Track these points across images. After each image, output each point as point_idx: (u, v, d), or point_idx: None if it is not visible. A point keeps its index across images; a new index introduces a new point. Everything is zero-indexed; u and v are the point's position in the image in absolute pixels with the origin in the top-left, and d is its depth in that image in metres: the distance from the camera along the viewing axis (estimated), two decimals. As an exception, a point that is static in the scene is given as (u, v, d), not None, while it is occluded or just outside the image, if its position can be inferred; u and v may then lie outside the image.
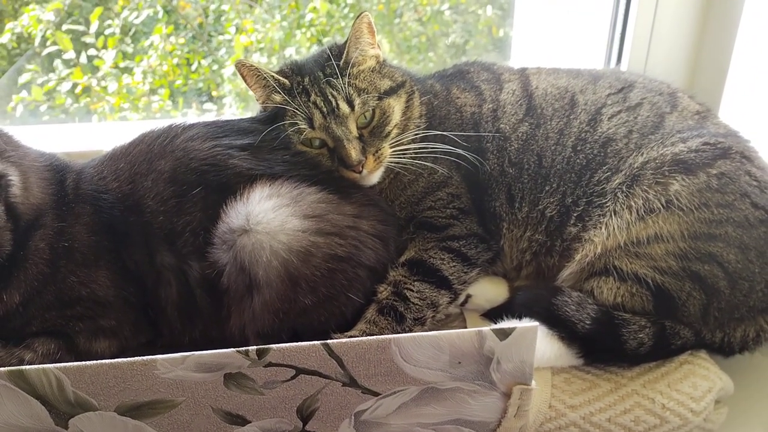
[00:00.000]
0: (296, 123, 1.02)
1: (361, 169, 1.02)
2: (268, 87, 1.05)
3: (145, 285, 0.94)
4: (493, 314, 1.04)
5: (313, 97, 1.03)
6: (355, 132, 1.03)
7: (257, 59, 3.35)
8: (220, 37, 3.59)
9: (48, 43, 3.03)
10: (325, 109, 1.02)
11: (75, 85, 2.92)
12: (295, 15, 3.54)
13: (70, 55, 3.00)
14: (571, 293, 0.97)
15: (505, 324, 0.83)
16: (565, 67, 1.18)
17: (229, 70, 3.33)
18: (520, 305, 0.98)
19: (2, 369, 0.75)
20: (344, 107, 1.02)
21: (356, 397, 0.83)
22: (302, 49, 3.32)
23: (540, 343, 0.87)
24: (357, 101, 1.03)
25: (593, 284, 0.98)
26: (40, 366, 0.75)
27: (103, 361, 0.75)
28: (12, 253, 0.87)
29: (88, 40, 3.09)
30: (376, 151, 1.03)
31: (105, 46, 3.05)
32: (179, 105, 3.28)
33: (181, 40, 3.41)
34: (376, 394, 0.83)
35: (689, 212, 0.94)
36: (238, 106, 3.28)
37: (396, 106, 1.06)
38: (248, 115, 1.34)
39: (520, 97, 1.11)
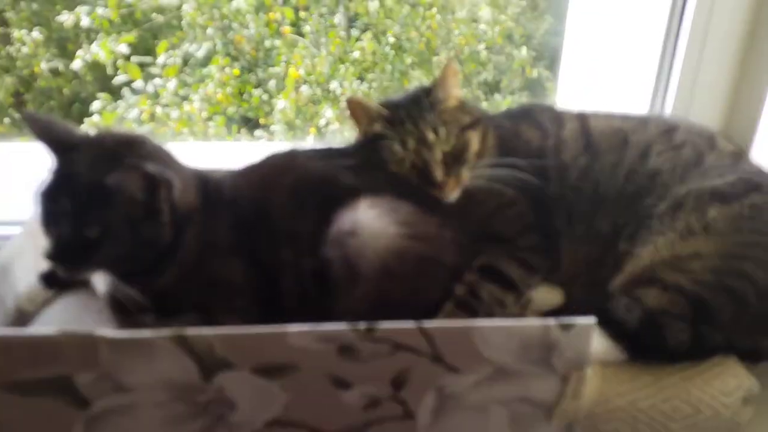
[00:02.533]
0: (392, 146, 1.16)
1: (444, 188, 1.14)
2: (372, 117, 1.19)
3: (270, 276, 1.09)
4: (550, 316, 1.14)
5: (407, 126, 1.16)
6: (440, 157, 1.16)
7: (306, 90, 3.48)
8: (271, 70, 3.74)
9: (116, 71, 3.21)
10: (416, 136, 1.16)
11: (141, 112, 3.09)
12: (340, 50, 3.67)
13: (138, 83, 3.18)
14: (621, 298, 1.07)
15: (568, 319, 0.92)
16: (617, 112, 1.30)
17: (280, 103, 3.46)
18: (576, 308, 1.08)
19: (167, 332, 0.87)
20: (431, 136, 1.16)
21: (441, 372, 0.93)
22: (346, 83, 3.44)
23: (594, 339, 0.95)
24: (442, 131, 1.16)
25: (640, 292, 1.07)
26: (198, 330, 0.87)
27: (247, 328, 0.88)
28: (170, 244, 1.02)
29: (154, 70, 3.28)
30: (457, 174, 1.16)
31: (167, 76, 3.22)
32: (233, 131, 3.43)
33: (235, 71, 3.57)
34: (457, 371, 0.93)
35: (724, 235, 1.04)
36: (287, 135, 3.42)
37: (474, 138, 1.19)
38: (295, 142, 1.46)
39: (579, 134, 1.23)
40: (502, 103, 3.48)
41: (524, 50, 3.75)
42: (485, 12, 3.86)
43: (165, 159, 1.05)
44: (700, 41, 1.44)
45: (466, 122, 1.20)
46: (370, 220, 1.05)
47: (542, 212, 1.19)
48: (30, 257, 1.18)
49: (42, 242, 0.99)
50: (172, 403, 0.92)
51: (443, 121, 1.17)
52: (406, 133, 1.16)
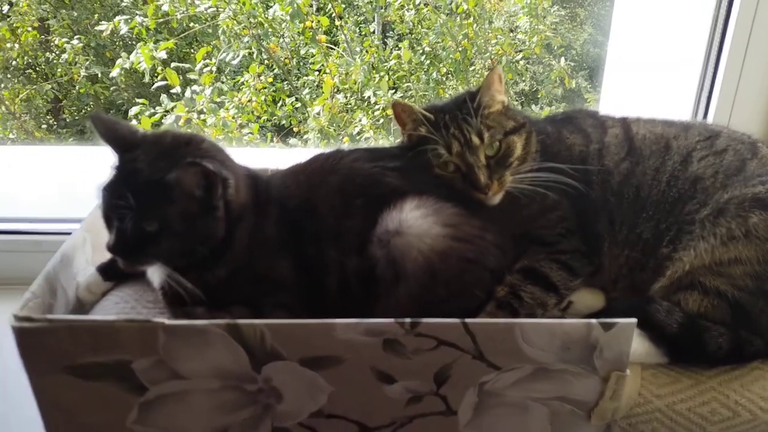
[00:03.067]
0: (437, 149, 1.19)
1: (487, 191, 1.17)
2: (417, 121, 1.23)
3: (315, 273, 1.12)
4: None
5: (452, 130, 1.20)
6: (483, 161, 1.19)
7: (340, 99, 3.52)
8: (304, 78, 3.78)
9: (155, 77, 3.28)
10: (461, 140, 1.19)
11: (178, 118, 3.16)
12: (375, 59, 3.70)
13: (175, 90, 3.24)
14: (662, 302, 1.09)
15: (609, 319, 0.94)
16: (660, 118, 1.31)
17: (314, 110, 3.49)
18: (618, 311, 1.10)
19: (222, 321, 0.91)
20: (476, 140, 1.19)
21: (482, 369, 0.95)
22: (379, 92, 3.47)
23: (634, 342, 0.97)
24: (486, 135, 1.19)
25: (680, 296, 1.09)
26: (251, 321, 0.91)
27: (297, 320, 0.92)
28: (224, 239, 1.07)
29: (191, 76, 3.34)
30: (500, 178, 1.18)
31: (204, 83, 3.28)
32: (267, 138, 3.47)
33: (270, 79, 3.62)
34: (498, 368, 0.95)
35: (765, 241, 1.05)
36: (320, 142, 3.45)
37: (518, 142, 1.22)
38: (330, 147, 1.51)
39: (622, 140, 1.25)
40: (539, 113, 3.48)
41: (562, 61, 3.75)
42: (523, 22, 3.86)
43: (221, 158, 1.10)
44: (742, 49, 1.45)
45: (510, 127, 1.23)
46: (415, 221, 1.08)
47: (584, 216, 1.21)
48: (89, 250, 1.25)
49: (100, 236, 1.05)
50: (222, 392, 0.97)
51: (487, 126, 1.20)
52: (451, 137, 1.20)
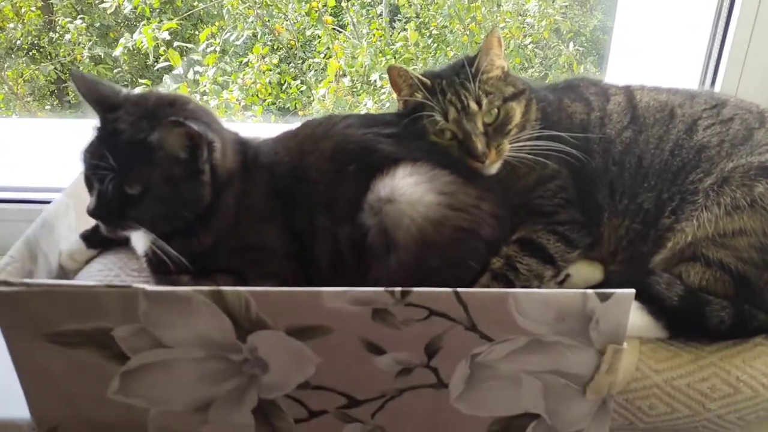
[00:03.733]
0: (433, 116, 1.16)
1: (484, 159, 1.14)
2: (413, 86, 1.19)
3: (305, 241, 1.10)
4: (589, 292, 1.14)
5: (449, 96, 1.16)
6: (481, 128, 1.16)
7: (345, 82, 3.48)
8: (310, 60, 3.74)
9: (158, 58, 3.25)
10: (458, 106, 1.15)
11: None
12: (381, 42, 3.65)
13: (178, 70, 3.21)
14: (662, 274, 1.06)
15: (606, 289, 0.91)
16: (665, 86, 1.27)
17: (319, 92, 3.46)
18: (616, 283, 1.07)
19: (206, 288, 0.89)
20: (473, 106, 1.15)
21: (474, 341, 0.93)
22: (385, 76, 3.42)
23: (632, 315, 0.93)
24: (484, 102, 1.16)
25: (682, 268, 1.06)
26: (235, 288, 0.89)
27: (283, 288, 0.90)
28: (210, 205, 1.04)
29: (195, 57, 3.31)
30: (498, 146, 1.15)
31: (208, 64, 3.24)
32: (272, 121, 3.44)
33: (275, 61, 3.58)
34: (491, 339, 0.93)
35: None
36: None
37: (517, 109, 1.18)
38: None
39: (625, 107, 1.21)
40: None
41: (571, 45, 3.70)
42: (532, 5, 3.80)
43: (207, 120, 1.07)
44: (751, 18, 1.42)
45: (509, 93, 1.19)
46: (408, 188, 1.05)
47: (584, 186, 1.18)
48: (73, 217, 1.22)
49: (83, 203, 1.02)
50: (207, 361, 0.95)
51: (485, 92, 1.17)
52: (448, 103, 1.16)
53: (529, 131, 1.19)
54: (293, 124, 1.22)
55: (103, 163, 0.96)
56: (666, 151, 1.15)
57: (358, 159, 1.11)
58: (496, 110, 1.16)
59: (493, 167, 1.17)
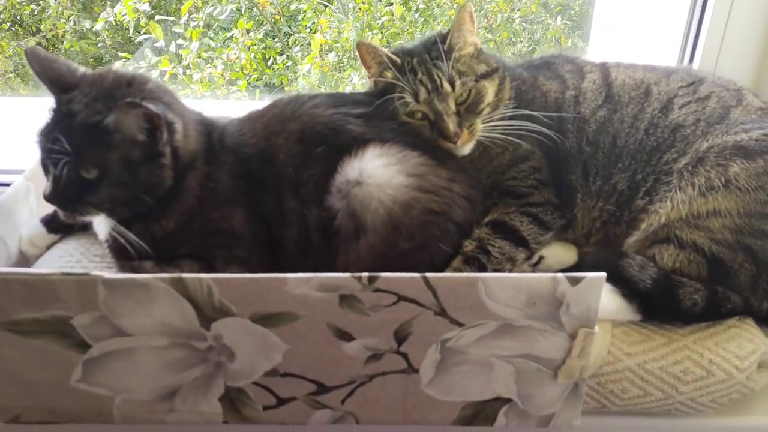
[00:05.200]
0: (403, 97, 1.13)
1: (456, 140, 1.12)
2: (382, 64, 1.17)
3: (272, 225, 1.07)
4: (562, 275, 1.13)
5: (419, 75, 1.14)
6: (453, 108, 1.13)
7: (331, 58, 3.43)
8: (296, 36, 3.68)
9: (138, 31, 3.17)
10: (429, 87, 1.13)
11: (162, 73, 3.07)
12: (368, 16, 3.60)
13: (160, 44, 3.14)
14: (635, 257, 1.04)
15: (577, 273, 0.89)
16: (642, 63, 1.25)
17: (304, 68, 3.41)
18: (589, 265, 1.06)
19: (165, 275, 0.86)
20: (446, 86, 1.13)
21: (444, 326, 0.91)
22: None
23: (604, 298, 0.93)
24: (457, 82, 1.13)
25: (655, 251, 1.05)
26: (197, 275, 0.86)
27: (246, 275, 0.87)
28: (172, 188, 1.01)
29: (177, 30, 3.24)
30: (470, 126, 1.13)
31: (191, 38, 3.18)
32: (256, 96, 3.40)
33: (259, 36, 3.51)
34: (461, 324, 0.91)
35: (746, 192, 1.00)
36: None
37: (490, 88, 1.16)
38: None
39: (600, 85, 1.19)
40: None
41: (559, 19, 3.66)
42: None
43: (168, 100, 1.04)
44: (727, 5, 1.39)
45: (482, 71, 1.17)
46: (376, 170, 1.03)
47: (558, 167, 1.16)
48: (33, 201, 1.19)
49: (45, 185, 0.99)
50: (171, 349, 0.93)
51: (458, 71, 1.14)
52: (418, 83, 1.14)
53: (502, 110, 1.16)
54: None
55: (58, 146, 0.92)
56: (641, 131, 1.13)
57: (326, 140, 1.08)
58: (468, 90, 1.14)
59: (466, 148, 1.15)
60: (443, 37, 1.17)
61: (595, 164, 1.15)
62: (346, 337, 0.93)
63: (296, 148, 1.08)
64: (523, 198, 1.14)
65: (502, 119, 1.15)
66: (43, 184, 1.00)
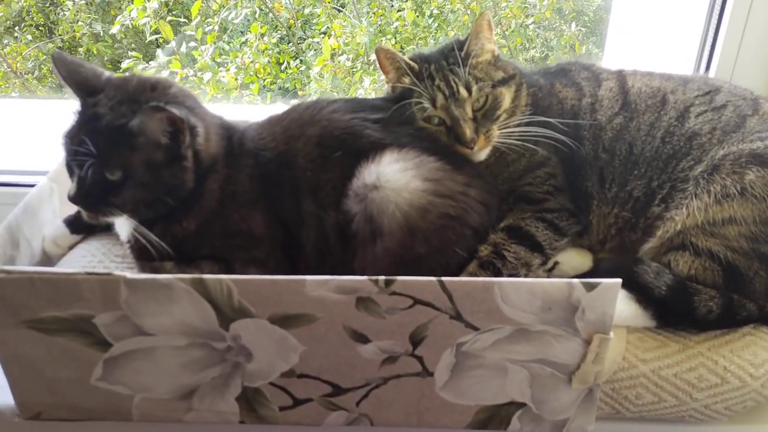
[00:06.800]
0: (421, 102, 1.14)
1: (473, 146, 1.13)
2: (400, 70, 1.18)
3: (290, 227, 1.08)
4: (577, 280, 1.13)
5: (437, 81, 1.15)
6: (470, 114, 1.14)
7: (343, 61, 3.44)
8: (309, 40, 3.69)
9: (150, 31, 3.19)
10: (446, 92, 1.14)
11: (173, 74, 3.09)
12: (381, 21, 3.61)
13: (172, 45, 3.16)
14: (651, 263, 1.04)
15: (592, 279, 0.90)
16: (658, 71, 1.25)
17: (314, 70, 3.42)
18: (604, 271, 1.06)
19: (187, 276, 0.88)
20: (463, 92, 1.14)
21: (460, 329, 0.92)
22: None
23: (619, 304, 0.94)
24: (474, 88, 1.14)
25: (671, 257, 1.05)
26: (217, 276, 0.88)
27: (265, 276, 0.88)
28: (193, 191, 1.03)
29: (189, 32, 3.26)
30: (487, 132, 1.14)
31: (204, 41, 3.19)
32: (267, 100, 3.41)
33: (274, 40, 3.53)
34: (476, 328, 0.92)
35: (762, 200, 1.00)
36: None
37: (506, 95, 1.17)
38: None
39: (616, 93, 1.19)
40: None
41: (573, 26, 3.65)
42: None
43: (190, 104, 1.05)
44: (744, 14, 1.39)
45: (499, 78, 1.18)
46: (393, 174, 1.04)
47: (573, 174, 1.17)
48: (57, 202, 1.21)
49: (68, 187, 1.01)
50: (190, 349, 0.94)
51: (475, 77, 1.15)
52: (436, 89, 1.15)
53: (518, 117, 1.17)
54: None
55: (83, 148, 0.94)
56: (657, 138, 1.13)
57: (344, 145, 1.09)
58: (485, 96, 1.15)
59: (482, 153, 1.15)
60: (461, 44, 1.18)
61: (611, 171, 1.15)
62: (362, 339, 0.94)
63: (315, 152, 1.09)
64: (538, 204, 1.14)
65: (518, 125, 1.15)
66: (66, 185, 1.02)
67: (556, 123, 1.14)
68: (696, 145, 1.11)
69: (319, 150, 1.09)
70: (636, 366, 1.00)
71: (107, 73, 1.05)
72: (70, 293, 0.88)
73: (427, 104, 1.14)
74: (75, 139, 0.96)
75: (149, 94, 1.01)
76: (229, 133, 1.10)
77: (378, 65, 1.21)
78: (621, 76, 1.23)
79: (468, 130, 1.12)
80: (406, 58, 1.17)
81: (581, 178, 1.16)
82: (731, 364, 0.99)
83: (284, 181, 1.09)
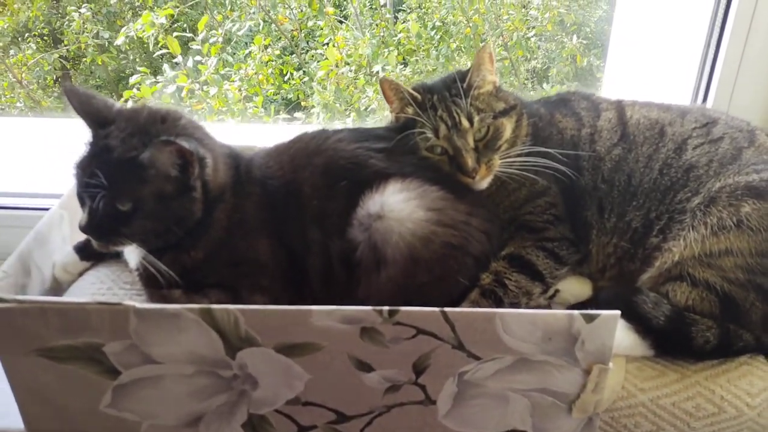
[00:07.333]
0: (424, 132, 1.17)
1: (474, 175, 1.15)
2: (404, 100, 1.21)
3: (296, 255, 1.10)
4: (577, 309, 1.14)
5: (440, 112, 1.17)
6: (472, 144, 1.16)
7: (346, 72, 3.46)
8: (312, 51, 3.71)
9: (157, 46, 3.21)
10: (449, 123, 1.16)
11: (180, 88, 3.11)
12: (385, 33, 3.63)
13: (178, 59, 3.18)
14: (649, 293, 1.06)
15: (592, 310, 0.91)
16: (657, 102, 1.28)
17: (319, 74, 3.43)
18: (603, 301, 1.08)
19: (195, 306, 0.89)
20: (465, 123, 1.16)
21: (462, 359, 0.94)
22: (388, 67, 3.41)
23: (619, 333, 0.95)
24: (476, 119, 1.16)
25: (668, 288, 1.07)
26: (224, 306, 0.89)
27: (272, 306, 0.90)
28: (201, 220, 1.05)
29: (195, 46, 3.28)
30: (488, 161, 1.16)
31: (209, 54, 3.21)
32: (272, 112, 3.43)
33: (277, 52, 3.55)
34: (478, 358, 0.94)
35: (758, 232, 1.02)
36: (325, 116, 3.41)
37: (507, 125, 1.19)
38: (334, 123, 1.48)
39: (615, 124, 1.22)
40: (550, 92, 3.40)
41: (575, 38, 3.67)
42: None
43: (199, 136, 1.08)
44: (744, 33, 1.42)
45: (500, 109, 1.20)
46: (397, 204, 1.06)
47: (573, 203, 1.19)
48: (66, 229, 1.23)
49: (77, 214, 1.03)
50: (197, 377, 0.95)
51: (476, 108, 1.18)
52: (438, 119, 1.17)
53: (519, 147, 1.19)
54: (294, 122, 1.22)
55: (95, 180, 0.96)
56: (655, 170, 1.15)
57: (349, 174, 1.11)
58: (486, 126, 1.17)
59: (483, 182, 1.17)
60: (462, 75, 1.20)
61: (610, 201, 1.17)
62: (366, 368, 0.95)
63: (320, 182, 1.11)
64: (539, 233, 1.16)
65: (519, 155, 1.18)
66: (76, 212, 1.04)
67: (555, 153, 1.16)
68: (693, 177, 1.13)
69: (324, 179, 1.11)
70: (635, 395, 1.02)
71: (118, 105, 1.07)
72: (81, 322, 0.90)
73: (430, 134, 1.17)
74: (87, 171, 0.98)
75: (159, 126, 1.03)
76: (237, 162, 1.12)
77: (382, 95, 1.24)
78: (620, 107, 1.25)
79: (470, 160, 1.14)
80: (409, 89, 1.20)
81: (581, 208, 1.18)
82: (728, 394, 1.01)
83: (290, 209, 1.10)
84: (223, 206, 1.07)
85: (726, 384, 1.02)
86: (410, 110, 1.19)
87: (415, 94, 1.20)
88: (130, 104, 3.01)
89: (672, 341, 1.04)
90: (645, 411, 1.02)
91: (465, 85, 1.18)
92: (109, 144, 0.99)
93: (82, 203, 1.01)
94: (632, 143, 1.19)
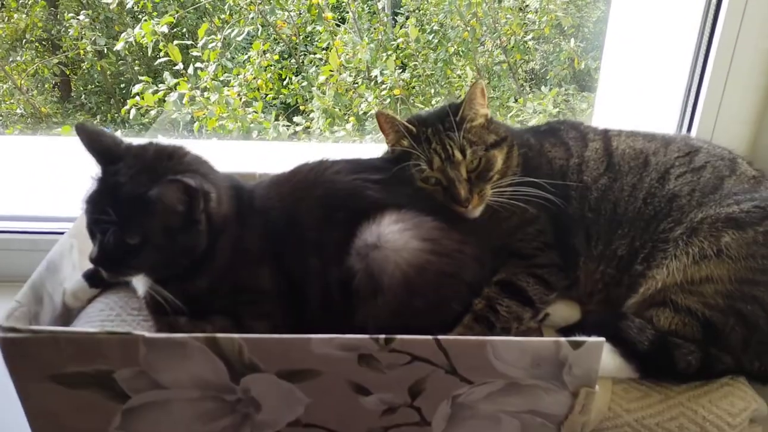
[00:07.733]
0: (419, 164, 1.22)
1: (467, 205, 1.19)
2: (399, 133, 1.25)
3: (297, 282, 1.15)
4: (566, 331, 1.17)
5: (433, 144, 1.22)
6: (465, 175, 1.21)
7: (345, 78, 3.49)
8: (311, 56, 3.75)
9: (158, 53, 3.25)
10: (442, 155, 1.21)
11: (181, 95, 3.15)
12: (383, 37, 3.67)
13: (178, 67, 3.22)
14: (634, 319, 1.11)
15: (578, 337, 0.96)
16: (642, 131, 1.33)
17: (320, 79, 3.45)
18: (591, 325, 1.12)
19: (201, 335, 0.94)
20: (458, 155, 1.21)
21: (455, 383, 0.98)
22: (387, 71, 3.43)
23: (605, 357, 1.00)
24: (468, 151, 1.21)
25: (652, 313, 1.11)
26: (229, 335, 0.93)
27: (274, 336, 0.94)
28: (205, 250, 1.09)
29: (195, 53, 3.32)
30: (480, 191, 1.21)
31: (209, 59, 3.25)
32: (272, 117, 3.45)
33: (276, 56, 3.58)
34: (470, 382, 0.98)
35: (737, 261, 1.07)
36: (325, 121, 3.44)
37: (499, 156, 1.24)
38: (334, 129, 1.52)
39: (602, 154, 1.27)
40: (548, 94, 3.44)
41: (572, 41, 3.70)
42: (533, 0, 3.81)
43: (204, 170, 1.12)
44: (727, 60, 1.46)
45: (492, 141, 1.25)
46: (393, 235, 1.10)
47: (562, 231, 1.23)
48: (76, 256, 1.27)
49: (87, 242, 1.08)
50: (203, 401, 1.00)
51: (469, 141, 1.22)
52: (432, 152, 1.22)
53: (510, 177, 1.24)
54: (296, 125, 1.25)
55: (105, 216, 1.01)
56: (639, 200, 1.20)
57: (346, 205, 1.16)
58: (478, 159, 1.22)
59: (476, 211, 1.22)
60: (455, 109, 1.25)
61: (596, 230, 1.21)
62: (364, 392, 0.99)
63: (319, 212, 1.16)
64: (529, 259, 1.21)
65: (510, 185, 1.22)
66: (85, 240, 1.09)
67: (544, 183, 1.21)
68: (676, 207, 1.17)
69: (322, 210, 1.16)
70: (621, 416, 1.06)
71: (126, 142, 1.12)
72: (92, 351, 0.94)
73: (424, 166, 1.21)
74: (98, 207, 1.03)
75: (166, 163, 1.08)
76: (239, 194, 1.17)
77: (379, 128, 1.28)
78: (606, 137, 1.30)
79: (463, 191, 1.19)
80: (404, 121, 1.24)
81: (569, 236, 1.23)
82: (710, 414, 1.05)
83: (291, 239, 1.15)
84: (226, 237, 1.11)
85: (708, 404, 1.06)
86: (405, 143, 1.24)
87: (410, 126, 1.24)
88: (133, 113, 3.07)
89: (656, 364, 1.09)
90: (630, 431, 1.06)
91: (458, 119, 1.23)
92: (119, 181, 1.04)
93: (93, 236, 1.05)
94: (618, 173, 1.24)
